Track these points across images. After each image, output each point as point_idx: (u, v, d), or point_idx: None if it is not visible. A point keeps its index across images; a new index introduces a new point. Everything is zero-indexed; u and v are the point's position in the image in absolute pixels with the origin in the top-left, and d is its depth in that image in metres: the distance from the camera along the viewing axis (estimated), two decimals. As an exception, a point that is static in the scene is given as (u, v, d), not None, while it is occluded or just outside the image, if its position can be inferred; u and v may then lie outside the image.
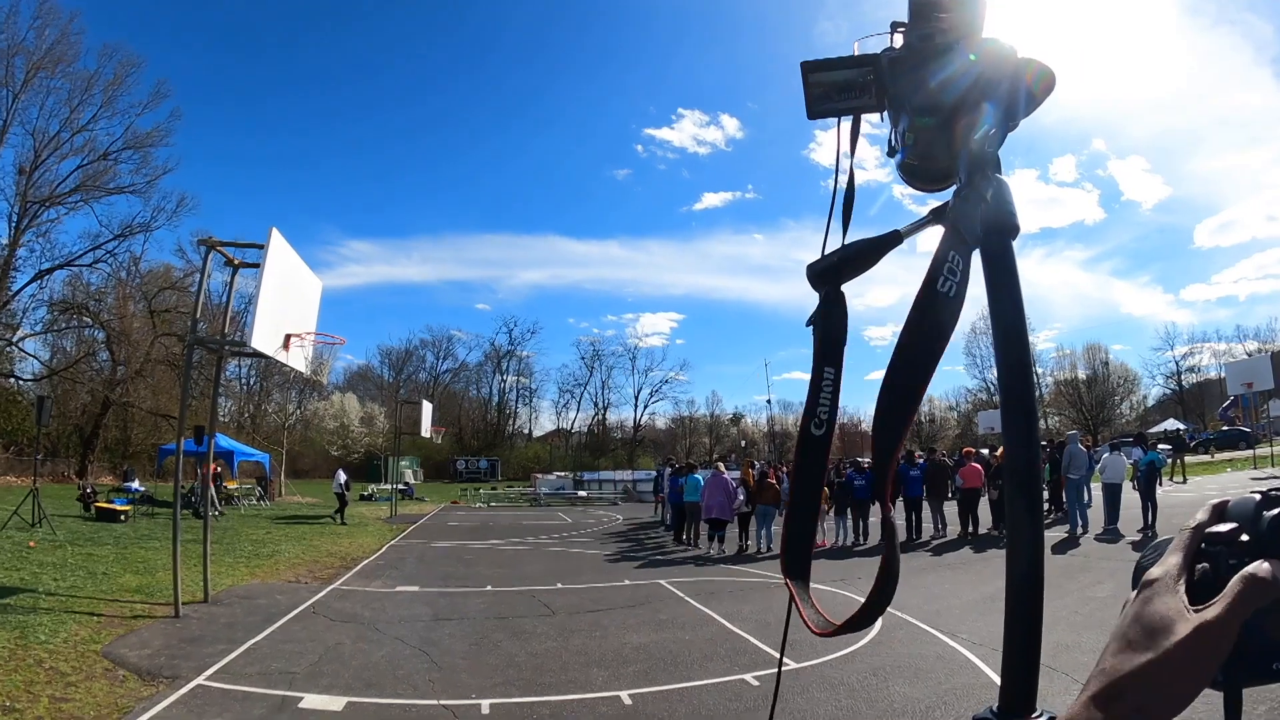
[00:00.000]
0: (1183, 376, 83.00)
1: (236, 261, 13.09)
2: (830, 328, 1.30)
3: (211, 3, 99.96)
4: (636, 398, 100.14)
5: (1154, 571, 0.78)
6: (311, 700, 7.21)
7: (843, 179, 1.29)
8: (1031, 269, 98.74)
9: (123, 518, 22.94)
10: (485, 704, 7.19)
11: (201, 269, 13.63)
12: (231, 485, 33.54)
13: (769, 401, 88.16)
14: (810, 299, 1.31)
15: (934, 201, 1.19)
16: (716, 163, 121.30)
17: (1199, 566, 0.75)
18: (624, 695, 7.50)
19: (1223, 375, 52.73)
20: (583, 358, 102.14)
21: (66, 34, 45.73)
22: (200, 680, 7.73)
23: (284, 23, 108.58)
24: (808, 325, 1.30)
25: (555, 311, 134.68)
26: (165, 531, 16.80)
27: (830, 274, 1.24)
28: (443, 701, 7.26)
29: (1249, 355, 61.87)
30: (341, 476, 29.54)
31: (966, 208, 1.09)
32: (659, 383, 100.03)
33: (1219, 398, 61.29)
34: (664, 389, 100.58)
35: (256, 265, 12.26)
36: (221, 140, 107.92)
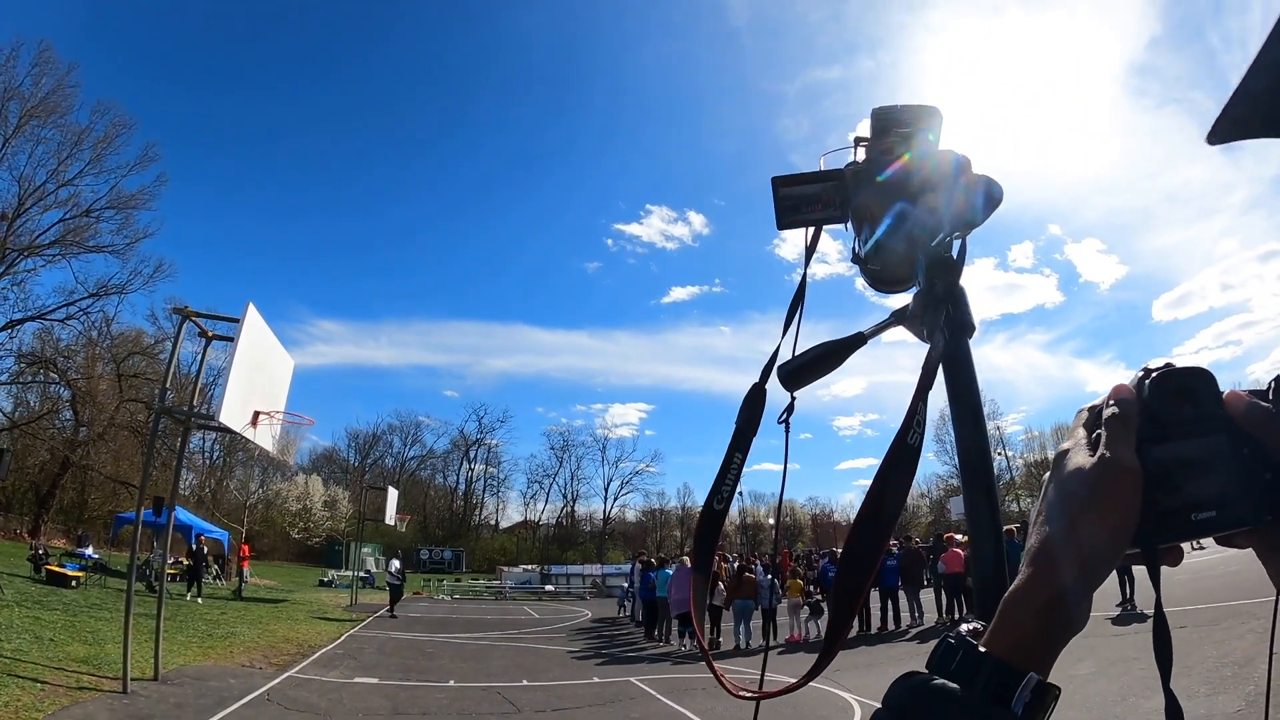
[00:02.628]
0: None
1: (210, 333, 13.02)
2: (755, 420, 1.39)
3: (203, 80, 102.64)
4: (606, 489, 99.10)
5: (1063, 445, 0.80)
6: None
7: (799, 283, 1.38)
8: (995, 354, 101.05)
9: (74, 583, 22.26)
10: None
11: (174, 337, 13.51)
12: (187, 561, 32.85)
13: (740, 494, 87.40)
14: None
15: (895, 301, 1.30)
16: (684, 257, 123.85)
17: (1095, 434, 0.78)
18: (597, 798, 7.06)
19: None
20: (552, 448, 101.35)
21: (63, 85, 45.98)
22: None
23: (269, 103, 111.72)
24: (780, 423, 1.36)
25: (524, 400, 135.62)
26: (117, 602, 16.23)
27: (802, 374, 1.30)
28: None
29: None
30: (395, 564, 28.84)
31: (924, 311, 1.18)
32: (629, 474, 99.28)
33: None
34: (634, 480, 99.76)
35: (229, 339, 12.22)
36: (197, 211, 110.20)
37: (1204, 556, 14.44)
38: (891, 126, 1.26)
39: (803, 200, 1.30)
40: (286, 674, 13.08)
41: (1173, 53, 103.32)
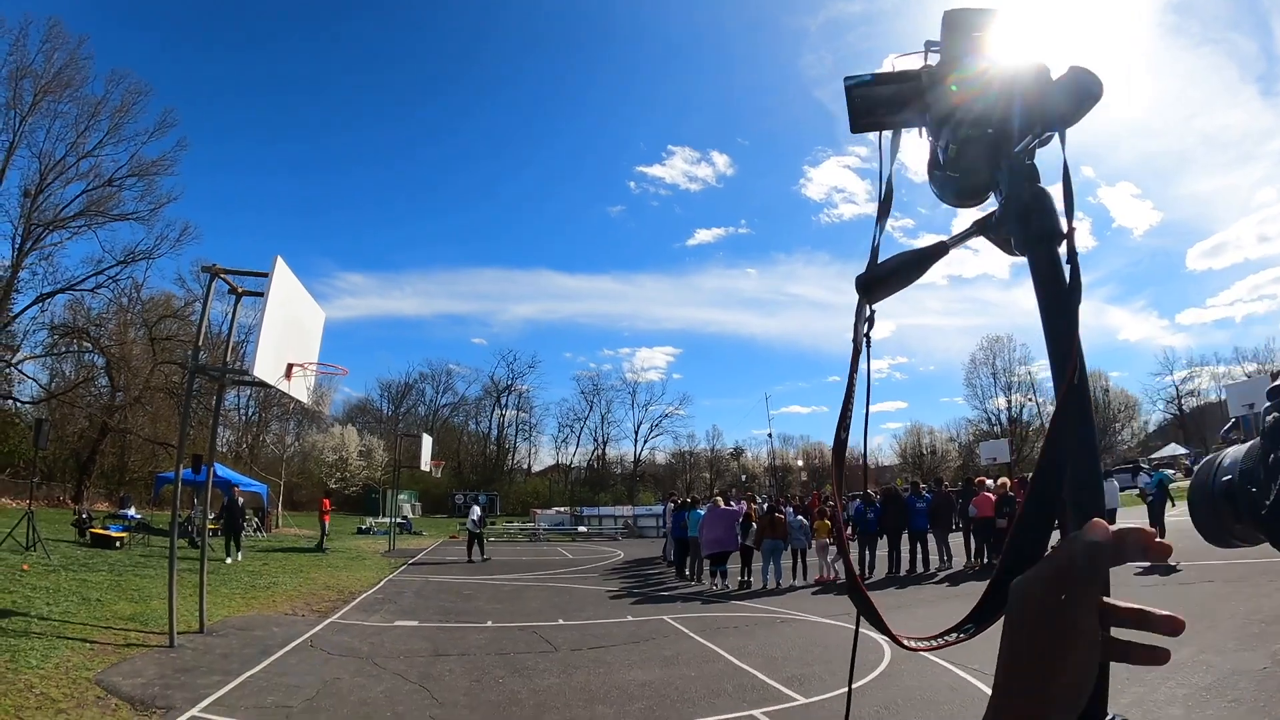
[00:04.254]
0: (1182, 401, 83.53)
1: (240, 290, 12.98)
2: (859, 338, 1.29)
3: (215, 39, 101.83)
4: (636, 432, 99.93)
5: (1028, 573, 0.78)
6: (309, 737, 7.00)
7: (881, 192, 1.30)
8: (1025, 298, 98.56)
9: (118, 544, 22.62)
10: (488, 742, 6.98)
11: (204, 296, 13.51)
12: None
13: (770, 435, 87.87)
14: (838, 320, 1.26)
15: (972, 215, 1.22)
16: (708, 198, 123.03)
17: (1270, 418, 0.77)
18: (631, 733, 7.29)
19: (1223, 398, 52.71)
20: (582, 392, 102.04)
21: (75, 58, 46.26)
22: (194, 712, 7.52)
23: (283, 57, 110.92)
24: (860, 338, 1.27)
25: (551, 345, 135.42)
26: (161, 560, 16.60)
27: (879, 285, 1.22)
28: (444, 739, 7.04)
29: (1248, 377, 62.00)
30: (476, 512, 29.32)
31: (1014, 219, 1.11)
32: (659, 417, 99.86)
33: (1220, 420, 61.23)
34: (664, 423, 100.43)
35: (259, 294, 12.17)
36: (219, 169, 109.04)
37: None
38: (966, 29, 1.19)
39: (878, 103, 1.25)
40: (328, 620, 13.38)
41: None
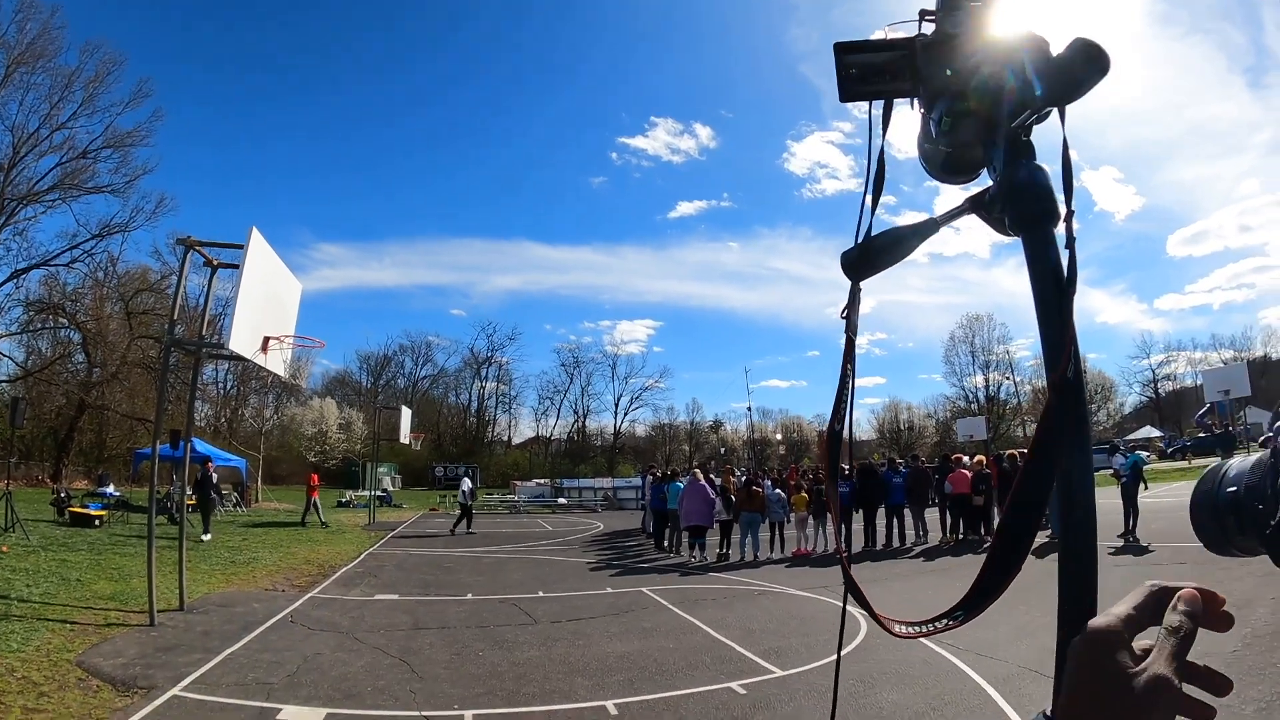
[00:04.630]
0: (1159, 384, 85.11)
1: (215, 262, 12.87)
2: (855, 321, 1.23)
3: (191, 5, 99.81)
4: (616, 405, 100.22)
5: (1098, 622, 0.77)
6: (290, 712, 7.06)
7: (873, 165, 1.22)
8: (1006, 278, 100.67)
9: (97, 523, 22.61)
10: (468, 715, 7.07)
11: (179, 269, 13.38)
12: (224, 491, 33.20)
13: (749, 409, 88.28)
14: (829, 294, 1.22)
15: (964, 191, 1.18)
16: (690, 171, 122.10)
17: None
18: (609, 705, 7.39)
19: (1199, 383, 53.58)
20: (563, 364, 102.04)
21: (48, 29, 45.56)
22: (176, 691, 7.56)
23: (258, 24, 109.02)
24: (841, 318, 1.23)
25: (532, 317, 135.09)
26: (140, 538, 16.57)
27: (867, 263, 1.19)
28: (425, 713, 7.12)
29: (1224, 363, 63.09)
30: (466, 484, 29.36)
31: (1008, 197, 1.08)
32: (639, 390, 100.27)
33: (1195, 405, 62.22)
34: (644, 396, 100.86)
35: (235, 266, 12.05)
36: (195, 140, 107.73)
37: (1189, 491, 14.64)
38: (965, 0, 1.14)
39: (869, 70, 1.18)
40: (308, 595, 13.43)
41: None
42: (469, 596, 13.82)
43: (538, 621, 11.52)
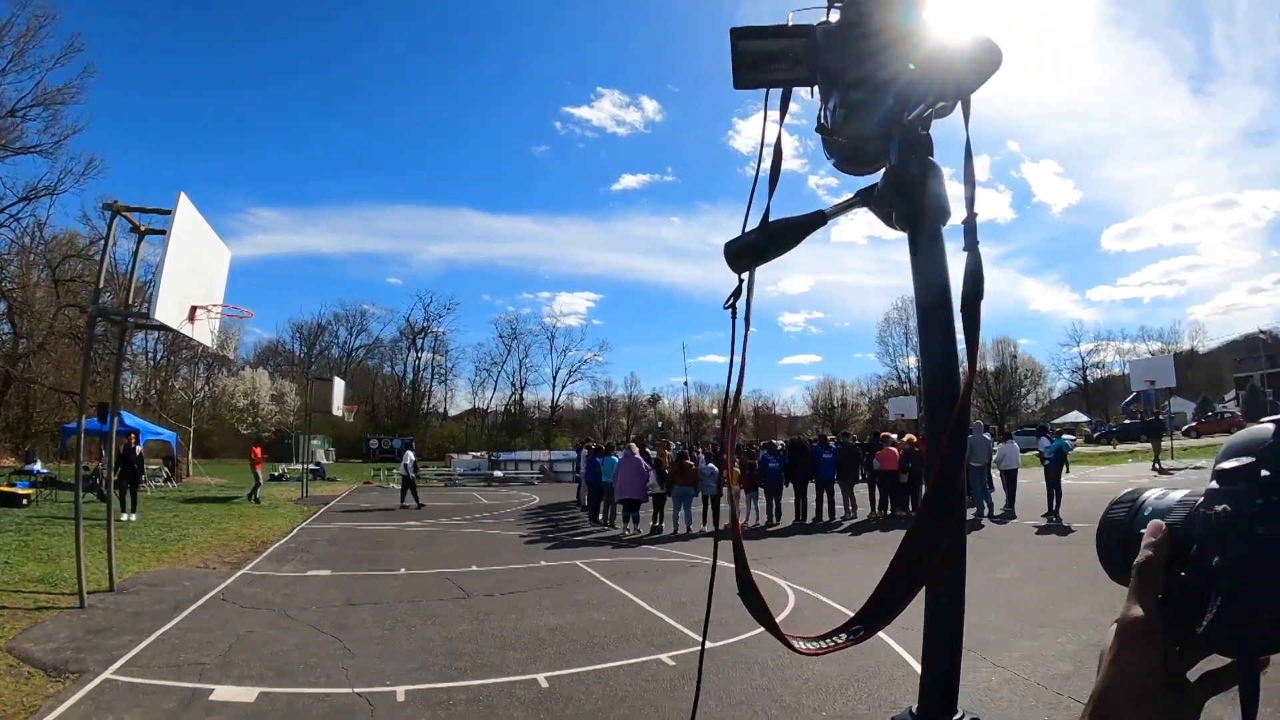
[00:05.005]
0: (1087, 372, 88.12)
1: (142, 228, 12.50)
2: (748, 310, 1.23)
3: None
4: (554, 378, 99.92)
5: (1125, 617, 0.75)
6: (223, 692, 7.07)
7: (769, 153, 1.21)
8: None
9: (25, 502, 22.15)
10: (400, 690, 7.14)
11: (106, 236, 13.02)
12: (150, 466, 32.55)
13: (686, 383, 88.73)
14: (727, 281, 1.25)
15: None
16: (635, 144, 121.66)
17: (1218, 509, 0.68)
18: (540, 678, 7.52)
19: (1126, 372, 55.31)
20: (500, 336, 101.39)
21: (-24, -19, 43.29)
22: (108, 674, 7.52)
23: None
24: (726, 308, 1.23)
25: (470, 287, 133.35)
26: (69, 517, 16.29)
27: (750, 254, 1.19)
28: (357, 689, 7.18)
29: (1151, 354, 65.38)
30: (410, 457, 29.15)
31: (896, 191, 1.10)
32: (577, 363, 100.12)
33: (1122, 393, 64.64)
34: (582, 369, 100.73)
35: (162, 232, 11.75)
36: (126, 99, 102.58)
37: (1112, 475, 15.06)
38: None
39: (765, 56, 1.14)
40: (240, 572, 13.34)
41: None
42: (402, 571, 13.82)
43: (470, 595, 11.61)
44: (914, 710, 1.02)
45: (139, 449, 24.41)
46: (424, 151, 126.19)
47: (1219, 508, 0.67)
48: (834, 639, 1.02)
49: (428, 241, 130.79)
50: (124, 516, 20.21)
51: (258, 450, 29.31)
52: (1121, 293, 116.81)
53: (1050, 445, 19.86)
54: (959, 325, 1.07)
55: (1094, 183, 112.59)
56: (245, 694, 7.04)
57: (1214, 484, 0.69)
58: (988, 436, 22.19)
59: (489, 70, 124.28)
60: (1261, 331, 77.24)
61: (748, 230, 1.18)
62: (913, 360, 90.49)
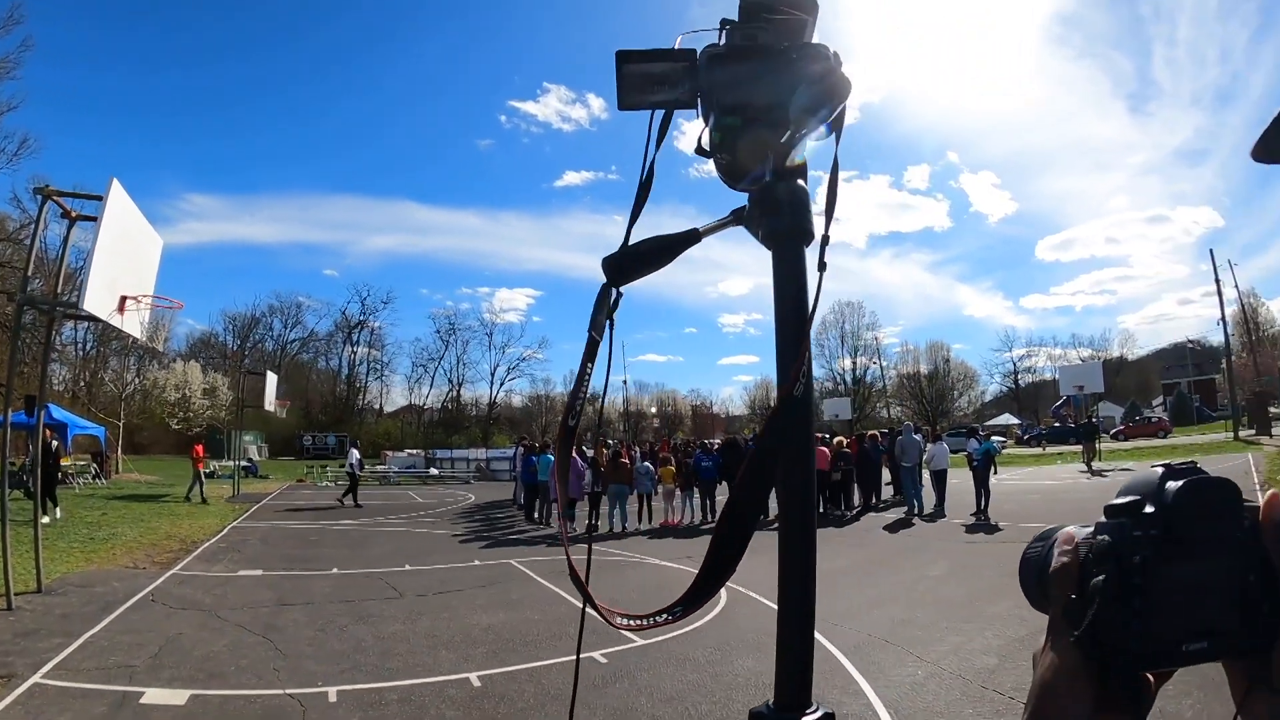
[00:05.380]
0: (1019, 376, 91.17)
1: (74, 214, 12.16)
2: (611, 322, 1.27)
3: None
4: (493, 374, 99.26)
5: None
6: (153, 695, 7.03)
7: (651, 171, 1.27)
8: (880, 268, 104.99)
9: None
10: (332, 691, 7.15)
11: (36, 220, 12.75)
12: (65, 462, 31.73)
13: (624, 382, 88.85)
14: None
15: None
16: (580, 141, 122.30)
17: (1099, 538, 0.75)
18: (473, 677, 7.57)
19: (1056, 377, 56.86)
20: (438, 331, 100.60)
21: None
22: (37, 678, 7.41)
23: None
24: (605, 320, 1.25)
25: (407, 281, 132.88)
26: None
27: (629, 268, 1.22)
28: (289, 690, 7.18)
29: (1083, 361, 67.52)
30: (355, 455, 28.79)
31: (761, 211, 1.15)
32: (516, 360, 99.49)
33: (1052, 397, 66.59)
34: (522, 366, 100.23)
35: (94, 219, 11.50)
36: (59, 73, 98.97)
37: (1055, 479, 15.43)
38: (760, 11, 1.16)
39: (648, 79, 1.19)
40: (170, 572, 13.17)
41: (1102, 10, 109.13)
42: (334, 571, 13.74)
43: (403, 595, 11.61)
44: (770, 703, 1.11)
45: (55, 444, 23.78)
46: (366, 140, 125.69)
47: (1101, 537, 0.74)
48: (655, 618, 1.07)
49: (366, 233, 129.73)
50: (45, 520, 19.61)
51: (199, 448, 28.68)
52: (1054, 301, 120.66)
53: (979, 448, 20.37)
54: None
55: (1030, 195, 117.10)
56: (176, 697, 7.00)
57: (1102, 518, 0.77)
58: (918, 437, 22.66)
59: (435, 60, 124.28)
60: (1190, 341, 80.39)
61: (627, 245, 1.21)
62: (848, 363, 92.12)
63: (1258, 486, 18.94)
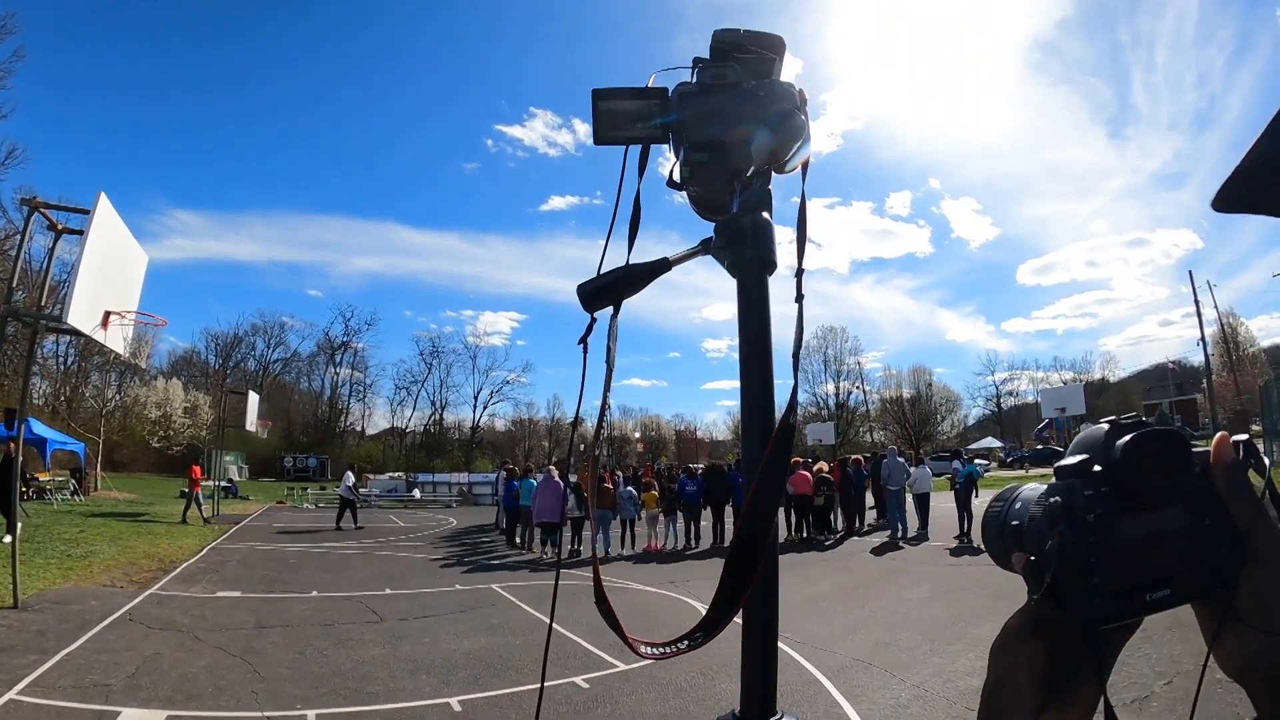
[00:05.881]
0: (1001, 399, 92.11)
1: (60, 226, 12.13)
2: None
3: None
4: (476, 398, 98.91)
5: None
6: (130, 715, 6.95)
7: (625, 204, 1.31)
8: (862, 294, 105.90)
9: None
10: (311, 715, 7.08)
11: (22, 232, 12.68)
12: (43, 477, 31.44)
13: (608, 407, 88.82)
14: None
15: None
16: (565, 166, 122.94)
17: (1051, 500, 0.76)
18: (453, 702, 7.52)
19: (1038, 400, 57.23)
20: (421, 354, 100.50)
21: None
22: (12, 695, 7.33)
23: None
24: (578, 344, 1.26)
25: (391, 303, 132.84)
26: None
27: (601, 295, 1.25)
28: (267, 713, 7.11)
29: (1065, 384, 68.09)
30: (350, 478, 28.57)
31: (726, 242, 1.17)
32: (500, 384, 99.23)
33: (1035, 420, 67.09)
34: (505, 390, 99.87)
35: (81, 232, 11.46)
36: (49, 87, 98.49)
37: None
38: (730, 50, 1.21)
39: (622, 116, 1.25)
40: (148, 592, 13.04)
41: (1080, 37, 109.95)
42: (314, 594, 13.64)
43: (384, 619, 11.51)
44: (736, 712, 1.11)
45: (11, 451, 23.46)
46: (352, 161, 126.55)
47: (1053, 499, 0.76)
48: (677, 645, 1.07)
49: (350, 254, 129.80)
50: (5, 539, 19.37)
51: (198, 469, 28.42)
52: (1035, 325, 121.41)
53: (962, 470, 20.47)
54: (777, 369, 1.16)
55: (1011, 220, 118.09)
56: (153, 717, 6.93)
57: (1054, 479, 0.78)
58: (902, 461, 22.78)
59: (422, 84, 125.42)
60: (1170, 362, 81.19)
61: (600, 273, 1.25)
62: (830, 387, 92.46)
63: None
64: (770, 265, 1.16)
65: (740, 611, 1.08)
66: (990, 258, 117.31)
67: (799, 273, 1.15)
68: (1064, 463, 0.77)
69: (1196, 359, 63.61)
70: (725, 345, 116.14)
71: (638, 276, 1.24)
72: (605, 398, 1.21)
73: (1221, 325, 61.30)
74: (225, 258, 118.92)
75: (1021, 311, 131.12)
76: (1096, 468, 0.74)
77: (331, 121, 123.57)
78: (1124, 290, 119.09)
